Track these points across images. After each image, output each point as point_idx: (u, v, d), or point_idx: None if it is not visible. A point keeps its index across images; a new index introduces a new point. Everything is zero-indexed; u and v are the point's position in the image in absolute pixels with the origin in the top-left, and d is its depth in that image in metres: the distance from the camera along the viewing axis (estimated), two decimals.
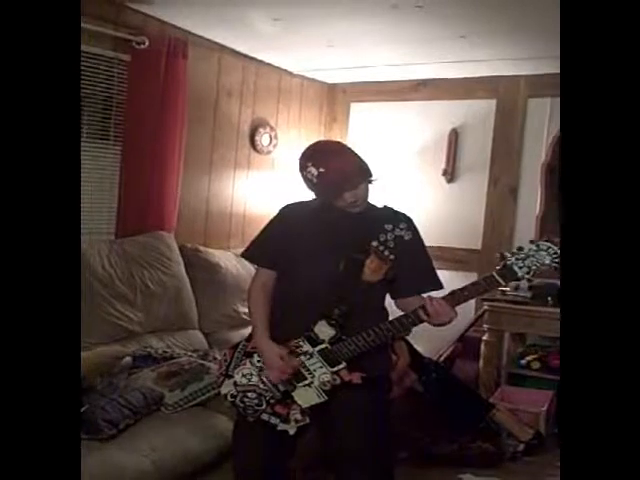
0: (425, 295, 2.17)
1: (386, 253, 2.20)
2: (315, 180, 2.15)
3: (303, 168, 2.19)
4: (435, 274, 2.31)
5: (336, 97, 5.24)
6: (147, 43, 3.59)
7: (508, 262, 2.07)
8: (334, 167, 2.13)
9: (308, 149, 2.24)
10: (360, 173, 2.19)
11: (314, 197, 2.28)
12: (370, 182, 2.22)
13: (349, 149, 2.27)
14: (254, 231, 2.45)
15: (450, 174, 4.80)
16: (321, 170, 2.13)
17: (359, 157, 2.23)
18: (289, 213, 2.37)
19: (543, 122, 4.56)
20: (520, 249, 2.07)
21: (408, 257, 2.24)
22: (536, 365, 4.22)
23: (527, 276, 2.06)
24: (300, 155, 2.23)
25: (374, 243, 2.20)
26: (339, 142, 2.44)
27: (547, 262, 2.04)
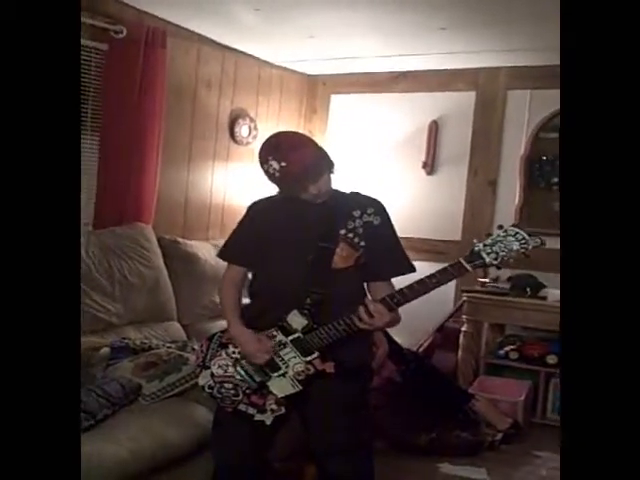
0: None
1: (356, 240, 2.19)
2: (277, 174, 2.12)
3: (264, 162, 2.14)
4: (406, 257, 2.28)
5: (316, 88, 5.23)
6: (125, 32, 3.57)
7: (475, 248, 2.04)
8: (296, 161, 2.09)
9: (268, 142, 2.18)
10: (322, 165, 2.15)
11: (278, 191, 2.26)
12: (332, 173, 2.19)
13: (310, 141, 2.23)
14: (233, 222, 2.45)
15: (430, 166, 4.82)
16: (283, 164, 2.09)
17: (320, 148, 2.20)
18: (257, 209, 2.36)
19: (522, 114, 4.58)
20: (489, 235, 2.05)
21: (378, 242, 2.22)
22: (514, 355, 4.25)
23: (495, 262, 2.01)
24: (260, 148, 2.18)
25: (342, 231, 2.19)
26: (300, 134, 2.39)
27: (515, 248, 2.00)
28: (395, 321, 2.13)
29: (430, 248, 4.63)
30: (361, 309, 2.07)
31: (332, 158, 2.20)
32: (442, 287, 2.10)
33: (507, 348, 4.32)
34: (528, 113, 4.56)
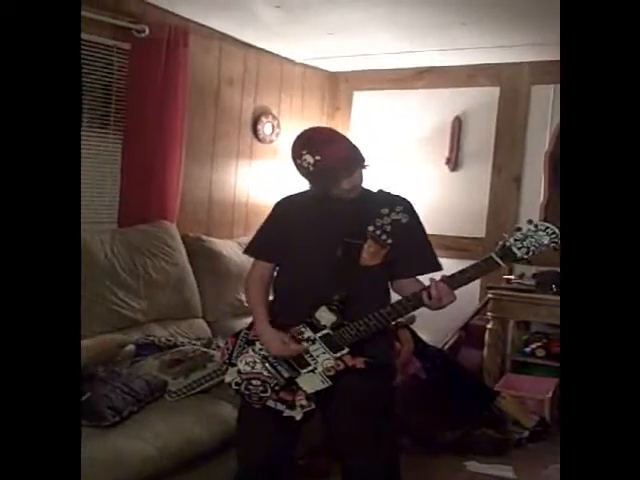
0: (429, 277, 2.16)
1: (383, 237, 2.19)
2: (311, 168, 2.12)
3: (298, 156, 2.16)
4: (434, 256, 2.29)
5: (339, 86, 5.21)
6: (147, 31, 3.57)
7: (507, 243, 2.06)
8: (330, 154, 2.11)
9: (302, 136, 2.20)
10: (356, 160, 2.17)
11: (309, 187, 2.26)
12: (364, 168, 2.20)
13: (343, 136, 2.25)
14: (257, 220, 2.47)
15: (453, 162, 4.78)
16: (317, 158, 2.10)
17: (352, 144, 2.21)
18: (284, 206, 2.38)
19: (547, 109, 4.53)
20: (518, 230, 2.06)
21: (406, 240, 2.22)
22: (541, 353, 4.22)
23: (526, 256, 2.03)
24: (293, 143, 2.20)
25: (371, 228, 2.19)
26: (332, 129, 2.41)
27: (546, 242, 2.02)
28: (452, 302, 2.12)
29: (454, 245, 4.59)
30: (432, 287, 2.06)
31: (364, 154, 2.20)
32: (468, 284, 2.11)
33: (533, 345, 4.29)
34: (552, 108, 4.50)
